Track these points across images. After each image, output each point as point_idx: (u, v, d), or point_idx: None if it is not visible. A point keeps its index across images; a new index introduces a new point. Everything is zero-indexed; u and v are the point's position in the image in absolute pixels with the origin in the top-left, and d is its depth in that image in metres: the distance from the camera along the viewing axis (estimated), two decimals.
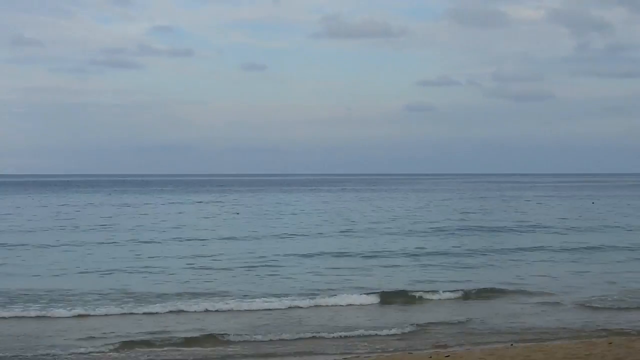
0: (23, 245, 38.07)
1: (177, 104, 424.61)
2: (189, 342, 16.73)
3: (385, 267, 30.53)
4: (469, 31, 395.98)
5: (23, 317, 19.83)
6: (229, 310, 20.93)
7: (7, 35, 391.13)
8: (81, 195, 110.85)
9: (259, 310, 20.96)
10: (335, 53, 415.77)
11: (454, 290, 23.61)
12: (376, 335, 17.51)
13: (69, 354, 15.47)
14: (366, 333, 17.68)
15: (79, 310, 20.39)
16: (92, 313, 20.20)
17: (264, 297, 22.61)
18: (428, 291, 23.26)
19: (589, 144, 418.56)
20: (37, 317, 19.84)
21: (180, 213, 68.04)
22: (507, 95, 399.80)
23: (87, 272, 28.35)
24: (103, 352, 15.79)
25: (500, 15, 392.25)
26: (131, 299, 22.16)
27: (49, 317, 19.82)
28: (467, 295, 23.13)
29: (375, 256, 33.96)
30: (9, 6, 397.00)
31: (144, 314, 20.24)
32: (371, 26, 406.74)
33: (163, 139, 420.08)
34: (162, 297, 22.49)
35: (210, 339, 16.90)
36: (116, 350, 15.94)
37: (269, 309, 21.06)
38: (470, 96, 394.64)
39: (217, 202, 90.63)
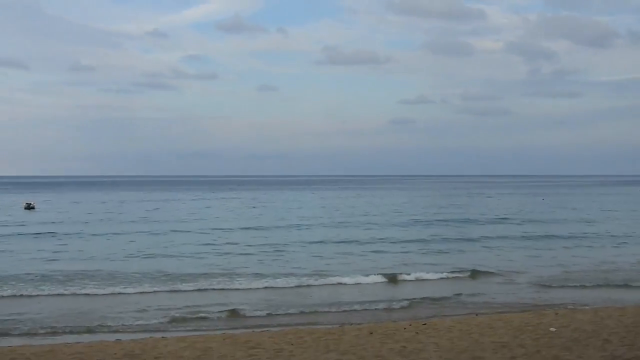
0: (78, 233, 38.15)
1: (204, 118, 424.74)
2: (217, 316, 16.65)
3: (376, 252, 30.40)
4: (441, 59, 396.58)
5: (80, 294, 19.80)
6: (247, 288, 20.81)
7: (67, 63, 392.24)
8: (125, 192, 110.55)
9: (273, 287, 20.87)
10: (333, 77, 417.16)
11: (435, 272, 23.54)
12: (374, 309, 17.48)
13: (121, 325, 15.46)
14: (362, 307, 17.62)
15: (121, 288, 20.40)
16: (135, 291, 20.16)
17: (275, 276, 22.52)
18: (409, 273, 23.18)
19: (539, 151, 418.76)
20: (91, 294, 19.77)
21: (207, 207, 67.96)
22: (473, 111, 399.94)
23: (131, 256, 28.32)
24: (148, 324, 15.77)
25: (466, 46, 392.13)
26: (168, 279, 22.12)
27: (100, 294, 19.78)
28: (444, 277, 23.00)
29: (368, 242, 33.87)
30: (69, 38, 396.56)
31: (179, 291, 20.20)
32: (362, 55, 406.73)
33: (193, 146, 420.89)
34: (192, 276, 22.45)
35: (232, 313, 16.80)
36: (162, 323, 15.90)
37: (282, 287, 20.98)
38: (442, 112, 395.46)
39: (237, 198, 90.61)
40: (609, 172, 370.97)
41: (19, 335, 14.51)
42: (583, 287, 21.09)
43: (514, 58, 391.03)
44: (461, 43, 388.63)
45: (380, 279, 22.38)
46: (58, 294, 19.40)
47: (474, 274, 23.33)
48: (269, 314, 16.81)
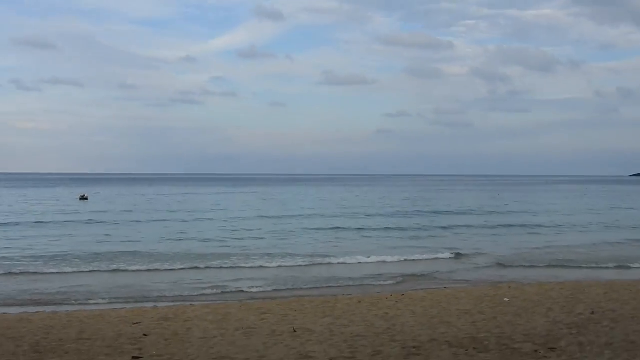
0: (124, 220, 38.21)
1: (226, 128, 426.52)
2: (235, 289, 16.70)
3: (368, 237, 30.53)
4: (418, 81, 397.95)
5: (125, 270, 19.85)
6: (260, 266, 20.83)
7: (116, 82, 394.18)
8: (161, 187, 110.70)
9: (282, 266, 20.86)
10: (330, 95, 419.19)
11: (419, 254, 23.69)
12: (365, 284, 17.44)
13: (157, 296, 15.56)
14: (354, 283, 17.61)
15: (158, 265, 20.51)
16: (169, 268, 20.21)
17: (283, 256, 22.57)
18: (395, 256, 23.25)
19: (495, 155, 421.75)
20: (134, 270, 19.82)
21: (227, 200, 68.07)
22: (443, 123, 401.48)
23: (166, 239, 28.39)
24: (180, 294, 15.84)
25: (438, 71, 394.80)
26: (195, 258, 22.16)
27: (142, 270, 19.87)
28: (424, 258, 23.02)
29: (361, 229, 34.05)
30: (118, 63, 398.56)
31: (204, 268, 20.25)
32: (354, 78, 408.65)
33: (216, 150, 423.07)
34: (215, 256, 22.47)
35: (247, 287, 16.85)
36: (191, 295, 15.95)
37: (291, 266, 21.00)
38: (418, 124, 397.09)
39: (253, 192, 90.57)
40: (552, 173, 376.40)
41: (76, 303, 14.59)
42: (533, 266, 21.16)
43: (476, 81, 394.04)
44: (434, 68, 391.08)
45: (373, 259, 22.26)
46: (107, 270, 19.45)
47: (448, 257, 23.15)
48: (275, 290, 16.72)
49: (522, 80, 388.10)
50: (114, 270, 19.70)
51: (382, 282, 17.69)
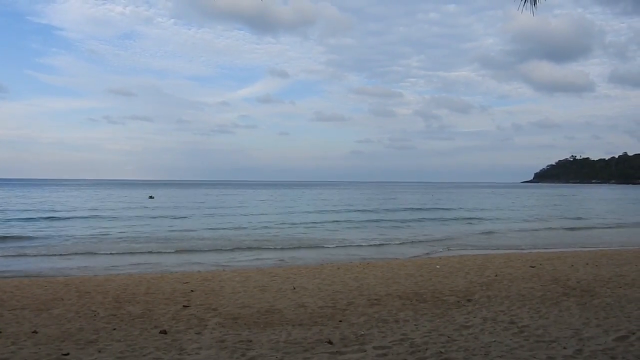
0: (182, 215, 37.85)
1: (249, 149, 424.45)
2: (253, 260, 16.58)
3: (349, 228, 30.32)
4: (379, 118, 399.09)
5: (182, 250, 19.64)
6: (274, 248, 20.58)
7: (174, 118, 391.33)
8: (206, 190, 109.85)
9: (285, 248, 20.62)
10: (319, 128, 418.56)
11: (388, 239, 23.45)
12: (349, 259, 17.38)
13: (201, 264, 15.42)
14: (341, 258, 17.54)
15: (201, 246, 20.18)
16: (211, 248, 19.95)
17: (285, 244, 22.31)
18: (371, 239, 23.09)
19: (430, 169, 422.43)
20: (188, 250, 19.61)
21: (251, 199, 67.69)
22: (395, 147, 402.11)
23: (209, 228, 28.04)
24: (216, 264, 15.63)
25: (392, 111, 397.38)
26: (227, 243, 21.98)
27: (195, 250, 19.67)
28: (386, 244, 22.92)
29: (344, 220, 33.44)
30: (176, 105, 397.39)
31: (233, 249, 20.14)
32: (335, 116, 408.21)
33: (243, 164, 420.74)
34: (239, 240, 22.26)
35: (261, 261, 16.77)
36: (224, 265, 15.80)
37: (284, 248, 20.67)
38: (379, 148, 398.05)
39: (269, 194, 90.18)
40: (469, 180, 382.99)
41: (151, 272, 14.46)
42: (463, 248, 20.85)
43: (417, 118, 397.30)
44: (389, 110, 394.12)
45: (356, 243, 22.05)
46: (171, 252, 18.99)
47: (404, 242, 21.93)
48: (281, 260, 16.68)
49: (448, 118, 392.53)
50: (176, 252, 19.38)
51: (355, 258, 17.59)
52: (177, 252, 18.21)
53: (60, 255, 16.93)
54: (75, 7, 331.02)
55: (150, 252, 17.96)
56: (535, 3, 5.21)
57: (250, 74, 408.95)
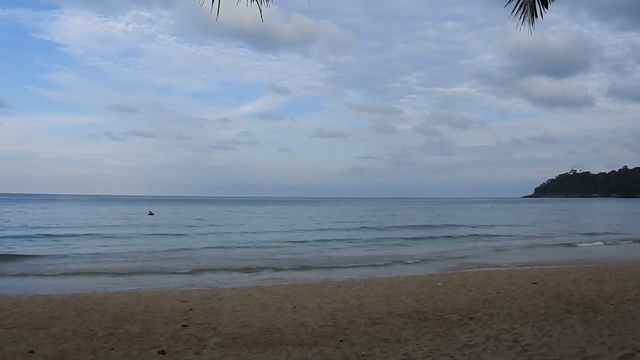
0: (180, 232, 37.65)
1: (250, 165, 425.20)
2: (253, 278, 16.50)
3: (357, 246, 29.95)
4: (379, 135, 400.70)
5: (180, 273, 19.54)
6: (274, 267, 20.50)
7: (175, 134, 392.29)
8: (205, 206, 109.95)
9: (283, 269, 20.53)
10: (320, 144, 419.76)
11: (399, 257, 23.21)
12: (349, 277, 17.27)
13: (200, 284, 15.30)
14: (341, 277, 17.44)
15: (198, 265, 20.01)
16: (211, 267, 19.76)
17: (285, 263, 22.15)
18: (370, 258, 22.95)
19: (431, 184, 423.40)
20: (189, 270, 19.53)
21: (252, 216, 67.57)
22: (395, 163, 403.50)
23: (210, 247, 27.82)
24: (215, 282, 15.59)
25: (392, 128, 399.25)
26: (226, 262, 21.78)
27: (194, 269, 19.58)
28: (397, 263, 22.74)
29: (347, 239, 33.15)
30: (177, 121, 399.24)
31: (231, 269, 19.99)
32: (335, 132, 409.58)
33: (244, 180, 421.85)
34: (237, 260, 22.09)
35: (262, 280, 16.67)
36: (222, 283, 15.71)
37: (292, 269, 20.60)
38: (379, 164, 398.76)
39: (267, 210, 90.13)
40: (469, 195, 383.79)
41: (149, 289, 14.37)
42: (461, 264, 20.80)
43: (417, 134, 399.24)
44: (389, 126, 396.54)
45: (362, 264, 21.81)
46: (170, 269, 18.89)
47: (405, 263, 22.20)
48: (281, 278, 16.57)
49: (448, 134, 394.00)
50: (172, 272, 19.21)
51: (355, 276, 17.46)
52: (176, 271, 18.11)
53: (58, 274, 16.75)
54: (79, 24, 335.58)
55: (149, 270, 17.83)
56: (532, 22, 5.30)
57: (251, 90, 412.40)
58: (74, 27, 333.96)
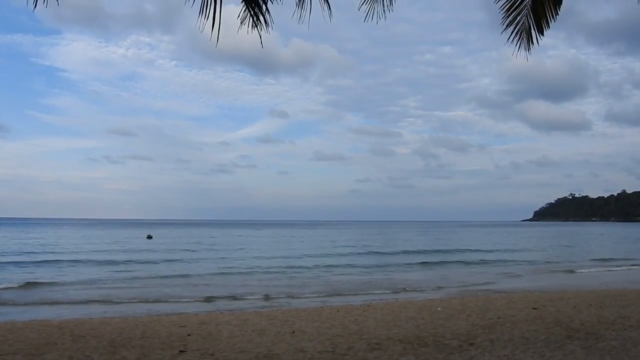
0: (180, 257, 37.29)
1: (249, 189, 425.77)
2: (252, 303, 16.40)
3: (364, 273, 29.69)
4: (377, 158, 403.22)
5: (181, 301, 19.36)
6: (273, 296, 20.32)
7: (174, 157, 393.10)
8: (205, 229, 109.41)
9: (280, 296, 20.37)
10: (319, 167, 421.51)
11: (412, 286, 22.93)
12: (348, 302, 17.07)
13: (198, 310, 15.16)
14: (340, 301, 17.24)
15: (200, 292, 19.84)
16: (209, 295, 19.58)
17: (284, 289, 22.00)
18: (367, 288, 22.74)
19: (429, 207, 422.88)
20: (192, 299, 19.36)
21: (251, 240, 67.23)
22: (394, 186, 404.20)
23: (209, 274, 27.52)
24: (214, 308, 15.41)
25: (391, 151, 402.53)
26: (224, 288, 21.57)
27: (192, 297, 19.38)
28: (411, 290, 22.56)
29: (350, 265, 33.04)
30: (176, 145, 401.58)
31: (230, 294, 19.85)
32: (334, 155, 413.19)
33: (242, 204, 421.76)
34: (237, 285, 21.94)
35: (265, 299, 16.55)
36: (221, 308, 15.57)
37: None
38: (378, 186, 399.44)
39: (266, 234, 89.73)
40: (467, 219, 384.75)
41: (147, 314, 14.19)
42: (461, 290, 20.70)
43: (416, 157, 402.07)
44: (388, 149, 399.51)
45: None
46: (168, 294, 18.80)
47: (405, 289, 22.15)
48: (275, 296, 16.42)
49: (447, 157, 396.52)
50: (170, 301, 19.06)
51: (356, 302, 17.23)
52: (175, 296, 17.92)
53: (54, 301, 16.56)
54: (79, 49, 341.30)
55: (147, 295, 17.64)
56: (529, 48, 5.39)
57: (250, 114, 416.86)
58: (75, 52, 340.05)
